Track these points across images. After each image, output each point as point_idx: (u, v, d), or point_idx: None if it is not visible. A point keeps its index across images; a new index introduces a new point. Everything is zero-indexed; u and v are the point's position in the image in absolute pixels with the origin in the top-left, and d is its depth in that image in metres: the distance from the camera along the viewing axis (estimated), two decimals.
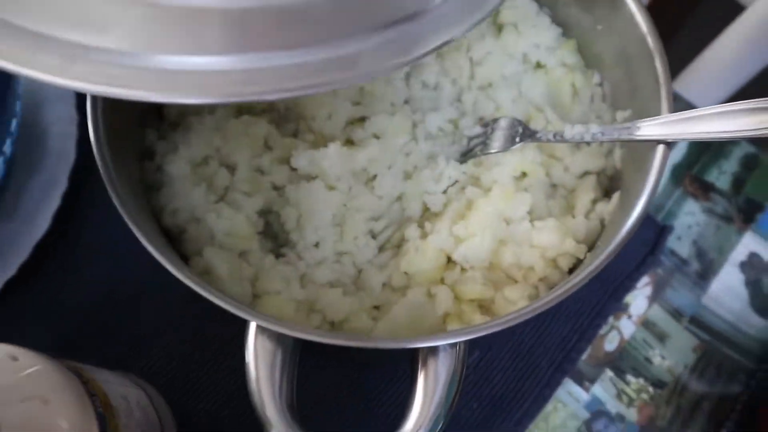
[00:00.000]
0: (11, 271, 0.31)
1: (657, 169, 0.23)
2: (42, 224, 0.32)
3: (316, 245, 0.26)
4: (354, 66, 0.16)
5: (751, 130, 0.21)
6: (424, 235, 0.27)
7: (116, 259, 0.31)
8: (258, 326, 0.20)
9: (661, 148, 0.23)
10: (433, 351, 0.20)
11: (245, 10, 0.16)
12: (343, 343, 0.20)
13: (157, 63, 0.16)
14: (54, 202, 0.32)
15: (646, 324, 0.32)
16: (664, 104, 0.24)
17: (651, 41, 0.25)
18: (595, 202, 0.28)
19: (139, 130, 0.28)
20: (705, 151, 0.36)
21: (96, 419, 0.20)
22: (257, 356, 0.20)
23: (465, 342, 0.20)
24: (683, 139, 0.23)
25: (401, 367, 0.25)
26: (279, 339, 0.20)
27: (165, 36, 0.16)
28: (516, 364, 0.30)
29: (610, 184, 0.28)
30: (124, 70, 0.16)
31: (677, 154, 0.36)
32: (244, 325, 0.20)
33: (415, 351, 0.20)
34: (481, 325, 0.20)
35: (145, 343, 0.29)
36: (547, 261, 0.26)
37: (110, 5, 0.16)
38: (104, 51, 0.16)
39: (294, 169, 0.27)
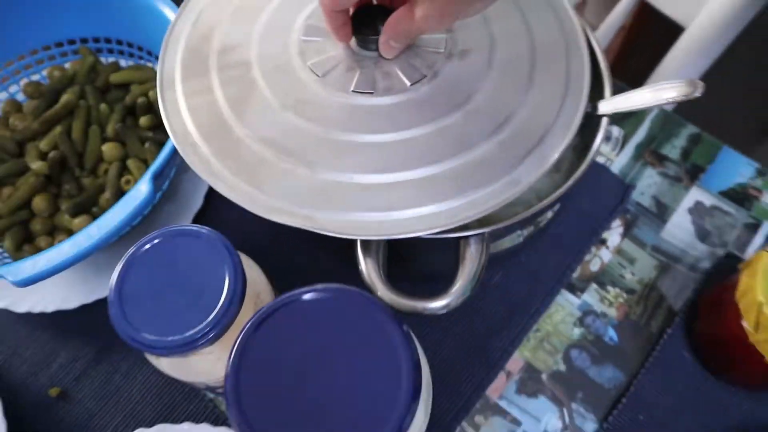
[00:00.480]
0: None
1: (602, 133, 0.36)
2: (197, 202, 0.47)
3: None
4: (518, 184, 0.30)
5: (658, 101, 0.35)
6: None
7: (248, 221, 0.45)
8: (361, 241, 0.34)
9: (605, 119, 0.37)
10: (467, 240, 0.33)
11: (458, 169, 0.31)
12: (416, 235, 0.33)
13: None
14: (205, 186, 0.47)
15: (619, 252, 0.44)
16: (607, 94, 0.38)
17: (602, 62, 0.39)
18: (572, 163, 0.42)
19: None
20: (661, 132, 0.49)
21: (270, 283, 0.34)
22: (364, 254, 0.34)
23: (487, 233, 0.33)
24: (616, 111, 0.36)
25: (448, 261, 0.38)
26: (375, 243, 0.34)
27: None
28: (526, 281, 0.43)
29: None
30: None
31: (640, 135, 0.49)
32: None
33: (459, 241, 0.33)
34: (494, 222, 0.33)
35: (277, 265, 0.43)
36: (540, 199, 0.39)
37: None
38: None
39: None
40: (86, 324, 0.43)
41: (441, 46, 0.34)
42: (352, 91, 0.33)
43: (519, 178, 0.31)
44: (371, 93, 0.33)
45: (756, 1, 0.48)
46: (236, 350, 0.24)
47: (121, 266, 0.28)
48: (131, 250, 0.28)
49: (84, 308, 0.43)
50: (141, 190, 0.35)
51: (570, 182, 0.35)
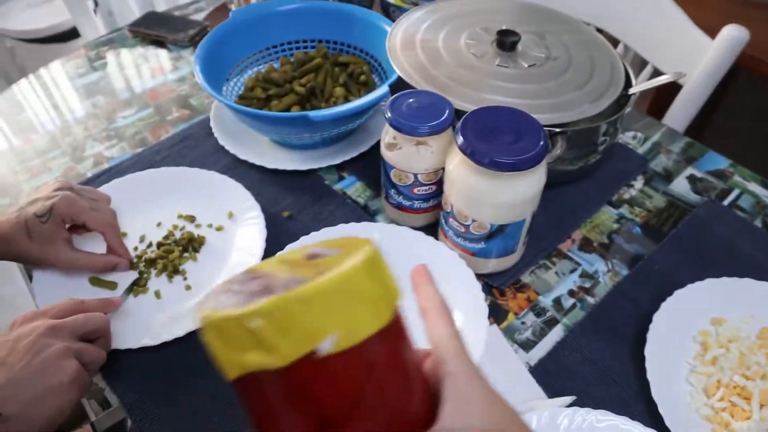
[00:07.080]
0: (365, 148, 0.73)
1: (632, 101, 0.65)
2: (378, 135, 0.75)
3: None
4: (582, 113, 0.64)
5: (658, 82, 0.64)
6: None
7: None
8: None
9: (633, 96, 0.65)
10: (556, 135, 0.60)
11: (549, 102, 0.63)
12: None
13: None
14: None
15: (642, 191, 0.70)
16: (633, 84, 0.67)
17: (631, 73, 0.69)
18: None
19: None
20: (664, 137, 0.78)
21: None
22: None
23: (569, 131, 0.60)
24: (637, 90, 0.65)
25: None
26: None
27: None
28: (576, 204, 0.69)
29: None
30: None
31: (653, 138, 0.78)
32: None
33: (553, 134, 0.60)
34: (573, 126, 0.61)
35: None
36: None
37: None
38: None
39: None
40: (307, 181, 0.70)
41: (543, 53, 0.65)
42: (497, 65, 0.63)
43: (583, 111, 0.60)
44: (507, 67, 0.63)
45: (721, 70, 0.80)
46: (461, 123, 0.51)
47: (390, 100, 0.56)
48: (396, 96, 0.56)
49: (310, 171, 0.70)
50: (384, 88, 0.64)
51: (615, 116, 0.63)
